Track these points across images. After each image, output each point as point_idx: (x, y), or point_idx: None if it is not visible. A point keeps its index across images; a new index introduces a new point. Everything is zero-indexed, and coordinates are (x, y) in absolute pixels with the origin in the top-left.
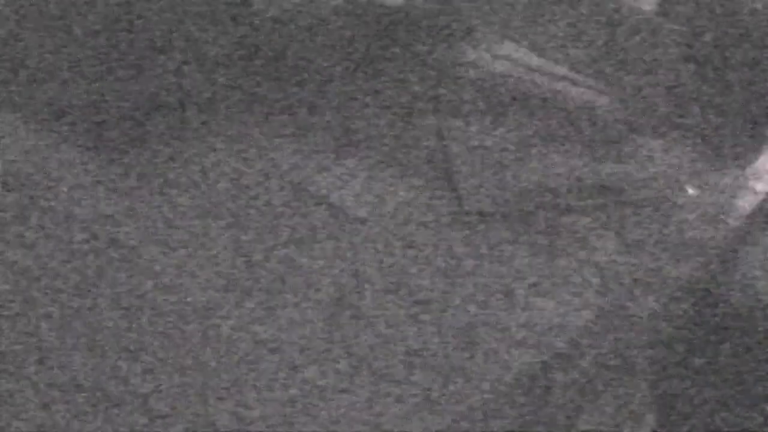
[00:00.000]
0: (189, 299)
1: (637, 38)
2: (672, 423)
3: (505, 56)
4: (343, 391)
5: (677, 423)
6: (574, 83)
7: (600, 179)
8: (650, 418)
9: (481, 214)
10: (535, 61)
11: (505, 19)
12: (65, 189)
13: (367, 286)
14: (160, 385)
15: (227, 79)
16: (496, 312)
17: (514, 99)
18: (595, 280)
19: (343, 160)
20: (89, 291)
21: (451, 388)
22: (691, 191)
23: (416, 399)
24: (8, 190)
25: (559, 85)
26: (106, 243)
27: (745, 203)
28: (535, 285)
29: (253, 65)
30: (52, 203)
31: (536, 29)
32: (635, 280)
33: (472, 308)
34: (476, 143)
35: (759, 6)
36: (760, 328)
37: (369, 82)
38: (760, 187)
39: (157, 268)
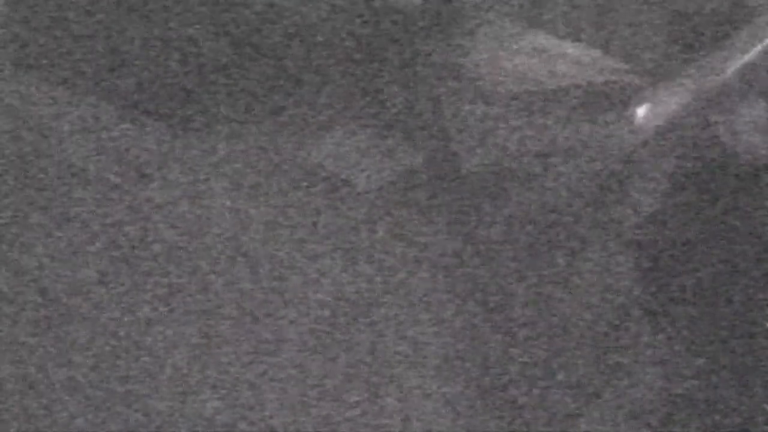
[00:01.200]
0: (189, 299)
1: (637, 13)
2: (673, 423)
3: (506, 35)
4: (343, 391)
5: (679, 423)
6: (575, 59)
7: (599, 135)
8: (651, 418)
9: (478, 173)
10: (535, 38)
11: (506, 3)
12: (65, 188)
13: (367, 287)
14: (160, 385)
15: (227, 79)
16: (496, 312)
17: (515, 97)
18: (596, 279)
19: (344, 139)
20: (89, 291)
21: (451, 387)
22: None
23: (416, 399)
24: (9, 189)
25: (559, 61)
26: (105, 243)
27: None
28: (535, 284)
29: (253, 65)
30: (51, 203)
31: (536, 9)
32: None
33: (472, 307)
34: (473, 109)
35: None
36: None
37: (369, 81)
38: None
39: (157, 267)
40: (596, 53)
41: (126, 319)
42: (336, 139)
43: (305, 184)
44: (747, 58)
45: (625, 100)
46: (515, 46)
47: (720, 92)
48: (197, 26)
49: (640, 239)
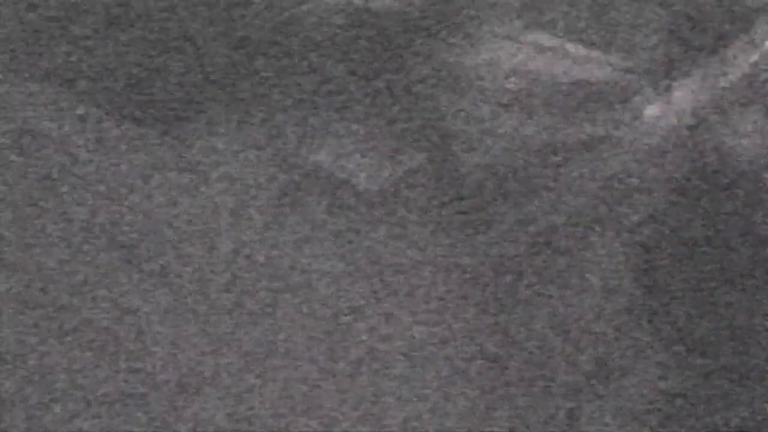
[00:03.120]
0: (189, 299)
1: (640, 12)
2: (672, 423)
3: (507, 37)
4: (343, 391)
5: (678, 423)
6: (578, 57)
7: (597, 134)
8: (651, 418)
9: (477, 175)
10: (536, 38)
11: (506, 4)
12: (64, 188)
13: (367, 286)
14: (160, 385)
15: (227, 79)
16: (496, 312)
17: (516, 98)
18: (596, 280)
19: (344, 140)
20: (89, 291)
21: (451, 388)
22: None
23: (416, 399)
24: (9, 189)
25: (563, 60)
26: (105, 243)
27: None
28: (534, 284)
29: (252, 65)
30: (51, 203)
31: (538, 11)
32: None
33: (472, 308)
34: (474, 114)
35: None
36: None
37: (369, 81)
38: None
39: (157, 268)
40: (597, 52)
41: (126, 319)
42: (336, 139)
43: (305, 184)
44: (749, 62)
45: (627, 99)
46: (515, 46)
47: (723, 96)
48: (197, 26)
49: (640, 240)
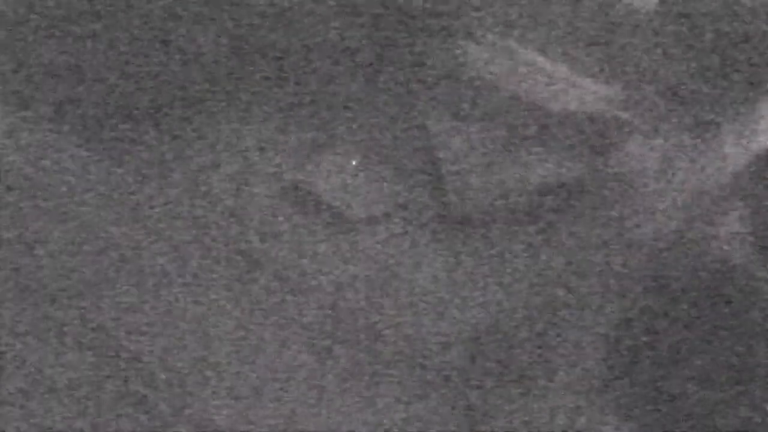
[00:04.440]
0: (189, 299)
1: (637, 38)
2: (672, 423)
3: (505, 54)
4: (343, 391)
5: (677, 423)
6: (574, 84)
7: (589, 179)
8: (650, 418)
9: (466, 218)
10: (535, 59)
11: (505, 18)
12: (65, 189)
13: (366, 286)
14: (160, 384)
15: (227, 79)
16: (496, 312)
17: (512, 99)
18: (591, 281)
19: (339, 158)
20: (89, 291)
21: (451, 388)
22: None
23: (416, 399)
24: (9, 190)
25: (559, 86)
26: (105, 243)
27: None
28: (533, 286)
29: (252, 65)
30: (52, 203)
31: (536, 28)
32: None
33: (472, 309)
34: (465, 145)
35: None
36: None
37: (368, 82)
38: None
39: (157, 267)
40: (596, 84)
41: (126, 319)
42: (332, 164)
43: (304, 188)
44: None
45: (617, 138)
46: (514, 68)
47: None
48: (197, 26)
49: (640, 239)
